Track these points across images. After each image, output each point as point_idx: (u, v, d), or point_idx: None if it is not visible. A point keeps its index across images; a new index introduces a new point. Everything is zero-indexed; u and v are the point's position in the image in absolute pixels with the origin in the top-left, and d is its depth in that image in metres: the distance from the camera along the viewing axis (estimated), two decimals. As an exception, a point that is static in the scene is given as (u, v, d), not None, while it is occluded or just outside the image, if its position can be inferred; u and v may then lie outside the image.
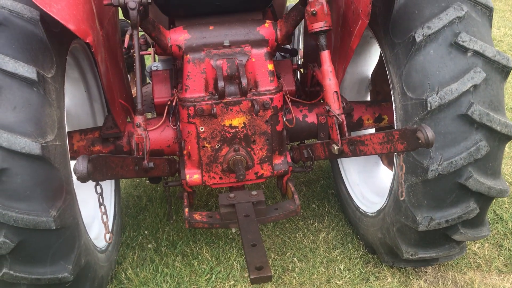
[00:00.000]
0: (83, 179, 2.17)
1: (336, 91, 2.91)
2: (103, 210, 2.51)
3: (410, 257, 3.05)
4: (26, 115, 2.33)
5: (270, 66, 3.02)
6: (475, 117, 2.55)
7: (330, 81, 2.91)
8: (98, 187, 2.45)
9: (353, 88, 4.16)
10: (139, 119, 2.84)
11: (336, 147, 2.89)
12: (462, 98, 2.55)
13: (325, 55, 2.91)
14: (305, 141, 3.82)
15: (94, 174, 2.24)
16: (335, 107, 2.90)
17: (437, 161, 2.61)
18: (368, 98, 4.21)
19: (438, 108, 2.56)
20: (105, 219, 2.53)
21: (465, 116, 2.57)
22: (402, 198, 2.65)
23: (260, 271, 2.34)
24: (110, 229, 2.58)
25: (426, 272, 3.46)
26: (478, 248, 3.64)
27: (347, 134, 2.93)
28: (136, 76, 2.89)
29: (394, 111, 2.88)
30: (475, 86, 2.55)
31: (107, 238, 2.56)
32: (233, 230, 3.86)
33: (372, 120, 3.57)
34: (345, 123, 2.91)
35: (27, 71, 2.33)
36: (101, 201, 2.51)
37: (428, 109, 2.57)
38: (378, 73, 3.83)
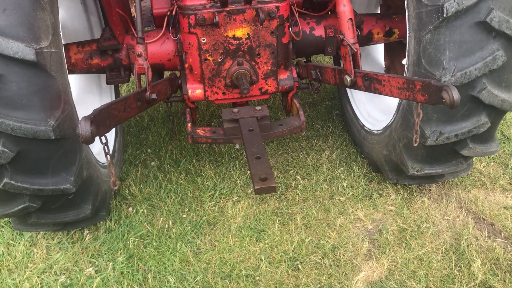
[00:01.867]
0: (89, 142, 2.04)
1: (351, 18, 2.73)
2: (109, 159, 2.36)
3: (415, 173, 3.01)
4: (18, 18, 2.18)
5: (275, -28, 2.83)
6: (494, 24, 2.40)
7: (344, 8, 2.73)
8: (102, 137, 2.29)
9: (363, 2, 3.96)
10: (139, 48, 2.70)
11: (349, 79, 2.75)
12: (481, 3, 2.39)
13: None
14: (311, 58, 3.68)
15: (99, 132, 2.13)
16: (349, 36, 2.74)
17: (450, 72, 2.50)
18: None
19: (455, 14, 2.41)
20: (111, 167, 2.38)
21: (483, 24, 2.42)
22: (415, 145, 2.55)
23: (264, 182, 2.32)
24: (115, 175, 2.43)
25: (430, 189, 3.45)
26: (483, 167, 3.61)
27: (361, 64, 2.78)
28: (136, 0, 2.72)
29: (407, 20, 2.71)
30: (495, -9, 2.38)
31: (113, 185, 2.41)
32: (237, 146, 3.81)
33: (383, 34, 3.41)
34: (359, 52, 2.75)
35: (15, -31, 2.16)
36: (106, 151, 2.35)
37: (445, 15, 2.41)
38: (389, -14, 3.62)
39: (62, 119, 2.39)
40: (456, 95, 2.10)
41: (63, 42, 3.45)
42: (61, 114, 2.39)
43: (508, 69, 2.56)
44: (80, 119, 2.07)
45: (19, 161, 2.38)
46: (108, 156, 2.33)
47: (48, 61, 2.28)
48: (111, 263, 2.98)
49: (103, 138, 2.25)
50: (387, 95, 2.57)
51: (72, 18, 3.60)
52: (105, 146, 2.30)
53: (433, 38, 2.51)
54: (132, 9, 4.61)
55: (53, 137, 2.33)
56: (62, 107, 2.41)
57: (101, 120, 2.16)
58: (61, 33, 2.50)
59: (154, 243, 3.10)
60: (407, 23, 2.72)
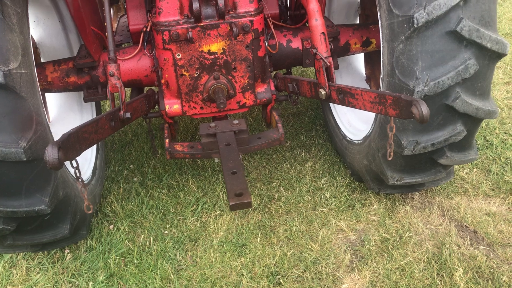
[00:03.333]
0: (57, 168, 1.99)
1: (323, 32, 2.74)
2: (81, 183, 2.30)
3: (395, 182, 3.00)
4: (-16, 40, 2.17)
5: (249, -14, 2.83)
6: (464, 33, 2.40)
7: (316, 22, 2.73)
8: (73, 161, 2.23)
9: (342, 12, 3.97)
10: (112, 68, 2.69)
11: (323, 92, 2.75)
12: (451, 13, 2.39)
13: None
14: (291, 69, 3.68)
15: (68, 157, 2.09)
16: (322, 50, 2.74)
17: (423, 82, 2.49)
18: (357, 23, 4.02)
19: (425, 24, 2.41)
20: (83, 191, 2.32)
21: (453, 33, 2.42)
22: (389, 159, 2.55)
23: (239, 197, 2.30)
24: (88, 200, 2.36)
25: (413, 198, 3.44)
26: (466, 173, 3.61)
27: (335, 78, 2.78)
28: (106, 19, 2.70)
29: (380, 31, 2.72)
30: (465, 0, 2.39)
31: (87, 209, 2.35)
32: (216, 160, 3.80)
33: (360, 44, 3.41)
34: (333, 66, 2.75)
35: (-21, -9, 2.15)
36: (78, 175, 2.29)
37: (415, 26, 2.41)
38: (367, -5, 3.63)
39: (34, 140, 2.37)
40: (425, 109, 2.10)
41: (42, 60, 3.47)
42: (33, 135, 2.37)
43: (481, 78, 2.56)
44: (52, 141, 2.05)
45: (-9, 184, 2.35)
46: (80, 180, 2.29)
47: (17, 83, 2.27)
48: (91, 283, 2.95)
49: (73, 162, 2.21)
50: (360, 109, 2.56)
51: (50, 37, 3.59)
52: (76, 170, 2.26)
53: (406, 48, 2.51)
54: (114, 25, 4.62)
55: (25, 159, 2.31)
56: (34, 128, 2.39)
57: (70, 144, 2.13)
58: (32, 53, 2.48)
59: (135, 261, 3.07)
60: (380, 34, 2.73)
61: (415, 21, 2.40)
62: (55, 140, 2.63)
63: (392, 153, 2.48)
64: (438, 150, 2.77)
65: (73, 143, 2.16)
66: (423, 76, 2.50)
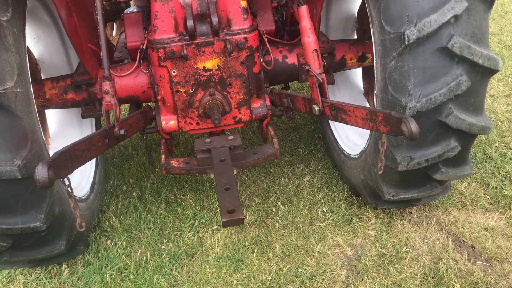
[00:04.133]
0: (47, 187, 1.99)
1: (315, 49, 2.76)
2: (74, 201, 2.31)
3: (391, 198, 3.00)
4: (-20, 60, 2.21)
5: (243, 3, 2.86)
6: (455, 50, 2.41)
7: (309, 39, 2.76)
8: (65, 179, 2.24)
9: (339, 27, 3.99)
10: (106, 86, 2.72)
11: (316, 108, 2.77)
12: (442, 30, 2.40)
13: (303, 11, 2.75)
14: (288, 84, 3.70)
15: (58, 175, 2.10)
16: (315, 66, 2.76)
17: (416, 98, 2.50)
18: (355, 38, 4.04)
19: (416, 41, 2.42)
20: (76, 209, 2.33)
21: (445, 50, 2.43)
22: (380, 172, 2.56)
23: (232, 214, 2.30)
24: (80, 218, 2.37)
25: (411, 212, 3.43)
26: (464, 187, 3.59)
27: (328, 94, 2.80)
28: (101, 38, 2.74)
29: (373, 47, 2.74)
30: (456, 17, 2.40)
31: (79, 227, 2.36)
32: (212, 176, 3.81)
33: (356, 59, 3.43)
34: (325, 82, 2.78)
35: (-25, 13, 2.20)
36: (70, 193, 2.29)
37: (406, 43, 2.43)
38: (364, 11, 3.65)
39: (30, 158, 2.40)
40: (414, 127, 2.10)
41: (42, 77, 3.51)
42: (28, 153, 2.40)
43: (474, 93, 2.56)
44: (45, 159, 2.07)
45: (-14, 202, 2.38)
46: (72, 198, 2.30)
47: (13, 102, 2.30)
48: (87, 298, 2.96)
49: (65, 180, 2.23)
50: (352, 125, 2.57)
51: (50, 53, 3.64)
52: (68, 188, 2.28)
53: (398, 65, 2.52)
54: (116, 40, 4.68)
55: (20, 177, 2.34)
56: (30, 146, 2.42)
57: (61, 163, 2.15)
58: (28, 72, 2.52)
59: (132, 276, 3.08)
60: (373, 50, 2.74)
61: (406, 38, 2.42)
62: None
63: (382, 167, 2.49)
64: (432, 166, 2.77)
65: (65, 161, 2.18)
66: (415, 92, 2.50)
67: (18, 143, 2.36)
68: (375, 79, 2.78)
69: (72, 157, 2.25)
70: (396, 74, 2.54)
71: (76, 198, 3.03)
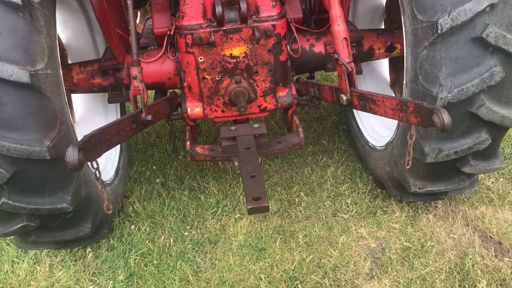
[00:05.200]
0: (77, 169, 2.02)
1: (345, 38, 2.72)
2: (101, 184, 2.33)
3: (417, 190, 2.95)
4: (13, 41, 2.24)
5: (272, -10, 2.84)
6: (490, 40, 2.35)
7: (339, 27, 2.71)
8: (94, 162, 2.26)
9: (366, 17, 3.94)
10: (135, 71, 2.72)
11: (344, 98, 2.73)
12: (476, 19, 2.35)
13: None
14: (313, 73, 3.67)
15: (88, 158, 2.12)
16: (344, 55, 2.72)
17: (447, 89, 2.45)
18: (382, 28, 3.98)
19: (449, 30, 2.37)
20: (103, 192, 2.35)
21: (479, 39, 2.37)
22: (408, 167, 2.52)
23: (257, 201, 2.29)
24: (107, 200, 2.38)
25: (436, 206, 3.38)
26: (492, 182, 3.52)
27: (356, 84, 2.76)
28: (130, 22, 2.75)
29: (404, 37, 2.69)
30: (492, 6, 2.33)
31: (106, 209, 2.38)
32: (236, 163, 3.81)
33: (384, 49, 3.38)
34: (354, 71, 2.74)
35: (11, -6, 2.21)
36: (98, 176, 2.32)
37: (439, 32, 2.37)
38: (392, 0, 3.59)
39: (58, 140, 2.43)
40: (446, 118, 2.06)
41: (69, 62, 3.55)
42: (57, 134, 2.42)
43: (508, 85, 2.50)
44: (76, 141, 2.09)
45: (16, 181, 2.42)
46: (100, 180, 2.32)
47: (43, 83, 2.33)
48: (111, 282, 2.99)
49: (94, 163, 2.25)
50: (381, 115, 2.53)
51: (77, 39, 3.68)
52: (96, 171, 2.30)
53: (429, 55, 2.47)
54: (141, 27, 4.69)
55: (48, 158, 2.37)
56: (58, 127, 2.44)
57: (91, 146, 2.16)
58: (58, 54, 2.54)
59: (155, 261, 3.10)
60: (404, 39, 2.69)
61: (439, 27, 2.37)
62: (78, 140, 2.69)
63: (410, 161, 2.44)
64: (461, 158, 2.71)
65: (95, 144, 2.20)
66: (447, 82, 2.45)
67: (47, 124, 2.38)
68: (404, 69, 2.73)
69: (101, 140, 2.26)
70: (428, 64, 2.49)
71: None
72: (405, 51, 2.70)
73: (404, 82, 2.76)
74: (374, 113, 2.58)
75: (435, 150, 2.66)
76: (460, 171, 2.80)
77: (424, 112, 2.22)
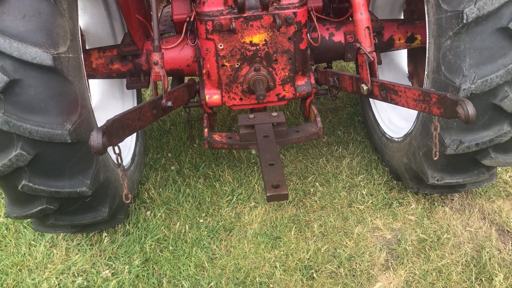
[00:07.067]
0: (101, 153, 2.04)
1: (367, 27, 2.69)
2: (122, 170, 2.31)
3: (435, 182, 2.93)
4: (37, 24, 2.24)
5: (294, -23, 2.81)
6: (517, 30, 2.32)
7: (361, 16, 2.69)
8: (115, 147, 2.26)
9: (386, 7, 3.90)
10: (156, 56, 2.72)
11: (365, 87, 2.71)
12: (503, 9, 2.31)
13: None
14: (331, 63, 3.65)
15: (111, 143, 2.13)
16: (366, 44, 2.70)
17: (470, 79, 2.42)
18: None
19: (475, 20, 2.34)
20: (124, 180, 2.32)
21: (505, 30, 2.34)
22: (435, 158, 2.50)
23: (276, 189, 2.30)
24: (128, 189, 2.35)
25: (453, 199, 3.36)
26: (509, 176, 3.49)
27: (378, 73, 2.74)
28: (152, 8, 2.74)
29: (427, 26, 2.66)
30: (519, -5, 2.30)
31: (125, 198, 2.36)
32: (253, 152, 3.80)
33: (404, 39, 3.34)
34: (376, 61, 2.72)
35: (34, -22, 2.21)
36: (119, 161, 2.30)
37: (464, 21, 2.34)
38: (413, -10, 3.56)
39: (79, 123, 2.44)
40: (471, 110, 2.03)
41: (87, 47, 3.55)
42: (78, 118, 2.43)
43: (533, 77, 2.46)
44: (96, 126, 2.09)
45: (37, 164, 2.43)
46: (121, 167, 2.30)
47: (65, 66, 2.33)
48: (127, 266, 3.01)
49: (116, 148, 2.25)
50: (403, 106, 2.51)
51: (95, 24, 3.68)
52: (118, 157, 2.29)
53: (453, 45, 2.44)
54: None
55: (69, 141, 2.38)
56: (79, 111, 2.45)
57: (114, 130, 2.17)
58: (80, 38, 2.54)
59: (170, 247, 3.11)
60: (427, 29, 2.66)
61: (465, 16, 2.34)
62: (97, 125, 2.70)
63: (437, 153, 2.42)
64: (482, 151, 2.69)
65: (117, 129, 2.21)
66: (470, 73, 2.43)
67: (68, 107, 2.39)
68: (426, 59, 2.70)
69: (123, 125, 2.27)
70: (451, 54, 2.46)
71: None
72: (427, 41, 2.67)
73: (426, 72, 2.73)
74: (396, 103, 2.56)
75: (456, 141, 2.64)
76: (480, 163, 2.78)
77: (448, 103, 2.19)
